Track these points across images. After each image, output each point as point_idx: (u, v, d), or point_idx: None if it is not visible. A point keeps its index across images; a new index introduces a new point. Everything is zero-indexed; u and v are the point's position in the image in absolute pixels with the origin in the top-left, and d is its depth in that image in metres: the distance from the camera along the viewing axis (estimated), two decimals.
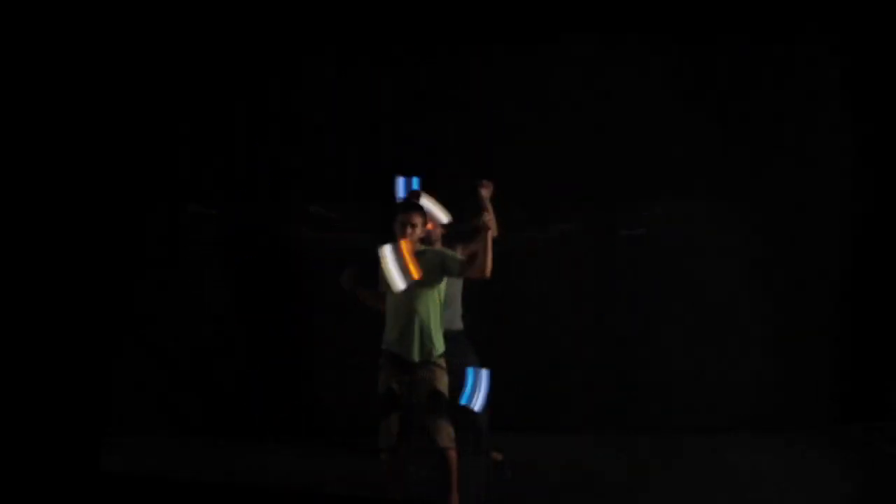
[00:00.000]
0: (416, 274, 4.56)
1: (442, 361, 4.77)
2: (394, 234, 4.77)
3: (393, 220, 4.78)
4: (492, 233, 4.70)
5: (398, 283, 4.56)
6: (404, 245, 4.60)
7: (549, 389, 6.48)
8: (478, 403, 4.78)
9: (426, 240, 5.00)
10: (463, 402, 4.76)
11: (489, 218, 4.86)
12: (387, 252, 4.56)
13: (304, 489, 5.23)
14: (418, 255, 4.71)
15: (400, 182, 5.06)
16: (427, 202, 4.97)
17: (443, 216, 5.12)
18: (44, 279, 3.92)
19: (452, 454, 4.67)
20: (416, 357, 4.69)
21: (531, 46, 6.49)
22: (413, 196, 4.90)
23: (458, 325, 5.65)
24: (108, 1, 4.50)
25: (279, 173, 6.65)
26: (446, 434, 4.65)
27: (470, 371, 4.81)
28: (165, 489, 4.49)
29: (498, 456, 5.88)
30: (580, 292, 6.57)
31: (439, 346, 4.77)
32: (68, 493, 3.89)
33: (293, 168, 6.64)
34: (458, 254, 5.07)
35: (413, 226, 4.72)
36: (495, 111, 6.51)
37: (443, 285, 4.82)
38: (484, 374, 4.79)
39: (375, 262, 4.66)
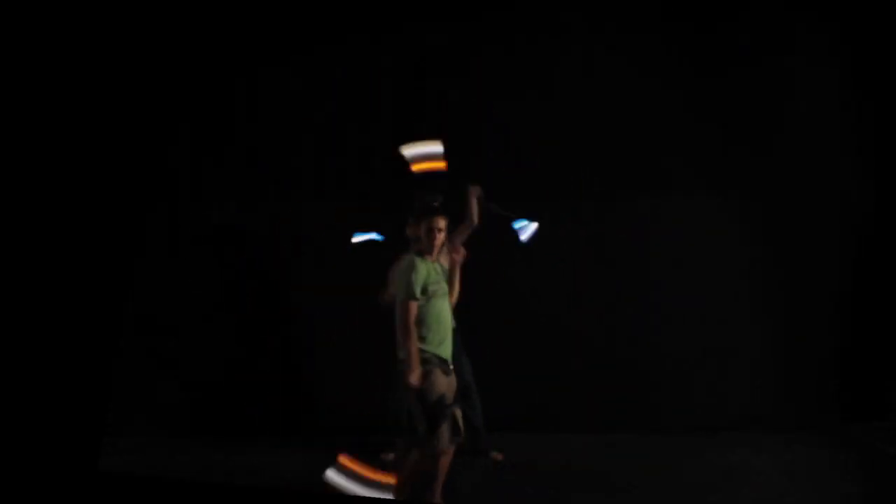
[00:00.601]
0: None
1: None
2: (415, 239, 4.79)
3: (415, 224, 4.79)
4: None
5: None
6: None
7: (549, 389, 6.48)
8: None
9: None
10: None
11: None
12: None
13: (304, 489, 5.22)
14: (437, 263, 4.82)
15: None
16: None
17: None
18: (44, 279, 3.92)
19: None
20: (451, 360, 4.84)
21: (530, 44, 6.49)
22: (434, 199, 4.87)
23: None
24: (107, 1, 4.50)
25: (279, 173, 6.65)
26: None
27: None
28: (165, 489, 4.48)
29: (498, 456, 5.89)
30: (580, 292, 6.57)
31: None
32: (68, 493, 3.88)
33: (293, 168, 6.65)
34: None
35: (440, 230, 4.74)
36: (494, 110, 6.52)
37: None
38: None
39: None
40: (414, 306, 4.68)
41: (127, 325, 6.04)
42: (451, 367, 4.81)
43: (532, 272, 6.54)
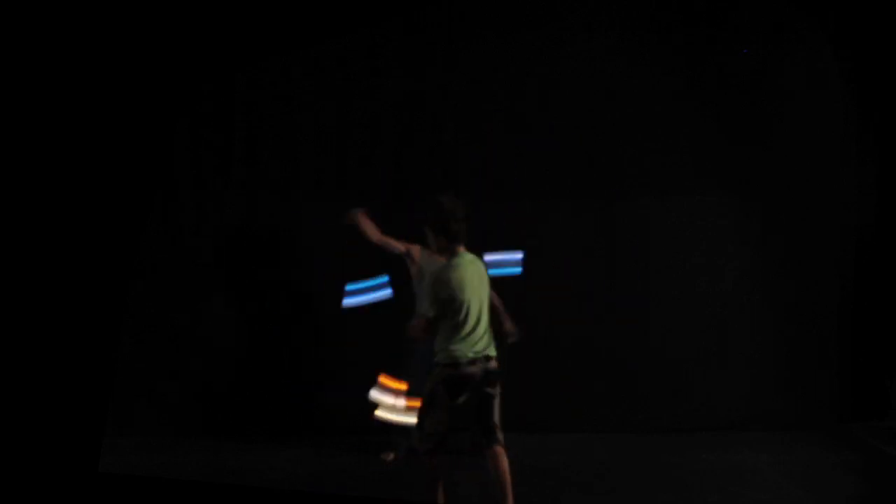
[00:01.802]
0: None
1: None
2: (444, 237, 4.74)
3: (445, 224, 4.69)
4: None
5: None
6: None
7: (550, 389, 6.48)
8: None
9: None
10: None
11: None
12: None
13: (304, 489, 5.23)
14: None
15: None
16: None
17: None
18: (43, 279, 3.92)
19: None
20: None
21: (531, 43, 6.48)
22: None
23: None
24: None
25: (279, 173, 6.65)
26: None
27: None
28: (165, 489, 4.48)
29: None
30: (580, 292, 6.57)
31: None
32: (68, 493, 3.88)
33: (293, 168, 6.65)
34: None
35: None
36: (495, 109, 6.51)
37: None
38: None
39: None
40: None
41: (127, 325, 6.04)
42: None
43: (532, 272, 6.54)
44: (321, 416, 6.49)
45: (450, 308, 4.62)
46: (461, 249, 4.71)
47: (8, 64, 3.87)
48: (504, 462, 4.69)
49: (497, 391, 4.74)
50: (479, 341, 4.68)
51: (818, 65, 6.46)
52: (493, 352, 4.76)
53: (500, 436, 4.70)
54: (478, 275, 4.72)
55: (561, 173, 6.50)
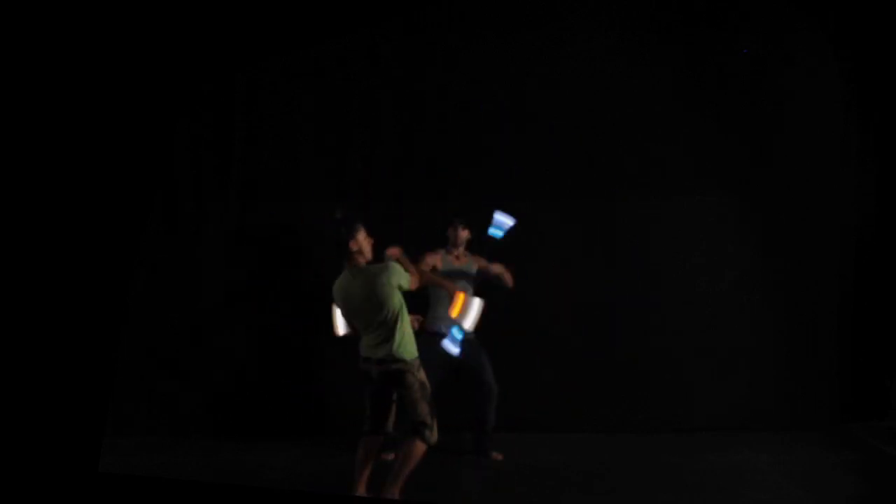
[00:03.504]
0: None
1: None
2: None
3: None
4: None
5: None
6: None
7: (550, 389, 6.48)
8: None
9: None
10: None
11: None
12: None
13: (304, 489, 5.22)
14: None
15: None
16: None
17: None
18: (43, 279, 3.92)
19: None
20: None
21: (532, 43, 6.47)
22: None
23: None
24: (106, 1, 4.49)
25: (279, 173, 6.65)
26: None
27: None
28: (165, 489, 4.49)
29: (498, 456, 5.89)
30: (580, 292, 6.57)
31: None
32: (68, 493, 3.88)
33: (293, 168, 6.65)
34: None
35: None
36: (495, 109, 6.51)
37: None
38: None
39: None
40: None
41: (127, 325, 6.04)
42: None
43: (532, 272, 6.54)
44: (321, 416, 6.49)
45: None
46: (351, 264, 4.90)
47: (8, 64, 3.87)
48: (413, 451, 4.75)
49: (405, 391, 4.77)
50: (369, 346, 4.84)
51: (818, 65, 6.46)
52: (387, 356, 4.76)
53: (428, 432, 4.75)
54: (360, 289, 4.82)
55: (561, 173, 6.49)
